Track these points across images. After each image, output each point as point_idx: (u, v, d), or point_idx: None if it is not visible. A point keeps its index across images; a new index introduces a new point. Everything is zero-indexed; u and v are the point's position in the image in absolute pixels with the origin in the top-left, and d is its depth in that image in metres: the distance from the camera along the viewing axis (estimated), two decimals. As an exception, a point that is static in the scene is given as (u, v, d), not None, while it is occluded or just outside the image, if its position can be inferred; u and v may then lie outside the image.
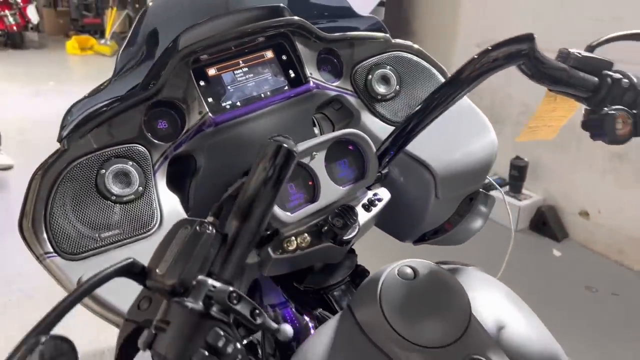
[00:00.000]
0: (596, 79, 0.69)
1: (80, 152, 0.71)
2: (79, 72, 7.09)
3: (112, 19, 8.04)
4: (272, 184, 0.50)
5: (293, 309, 1.01)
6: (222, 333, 0.43)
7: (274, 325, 0.47)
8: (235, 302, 0.45)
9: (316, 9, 0.96)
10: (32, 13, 8.00)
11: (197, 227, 0.47)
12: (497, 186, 1.00)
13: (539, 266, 2.64)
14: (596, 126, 0.67)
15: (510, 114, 3.01)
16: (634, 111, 0.67)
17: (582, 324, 2.18)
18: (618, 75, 0.69)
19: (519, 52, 0.65)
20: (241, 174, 0.79)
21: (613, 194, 2.64)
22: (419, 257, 0.69)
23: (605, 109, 0.66)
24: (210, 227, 0.48)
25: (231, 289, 0.45)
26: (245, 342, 0.97)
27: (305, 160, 0.73)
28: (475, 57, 0.66)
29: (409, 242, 0.95)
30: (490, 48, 0.66)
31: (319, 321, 0.82)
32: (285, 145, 0.49)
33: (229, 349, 0.43)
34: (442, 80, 0.93)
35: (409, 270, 0.66)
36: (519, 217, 2.89)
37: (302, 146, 0.72)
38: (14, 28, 7.82)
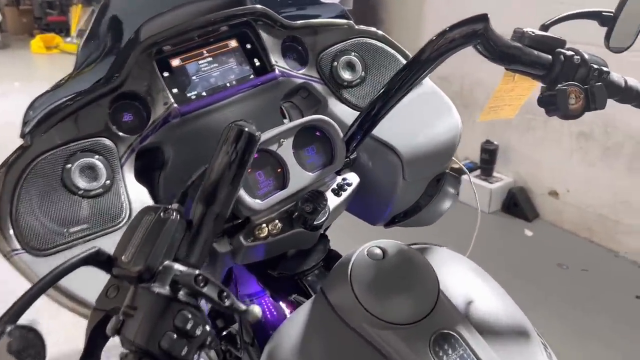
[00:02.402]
0: (550, 57, 0.70)
1: (44, 147, 0.69)
2: (45, 72, 6.87)
3: (78, 16, 7.76)
4: (236, 167, 0.49)
5: (269, 298, 1.01)
6: (189, 316, 0.43)
7: (242, 306, 0.47)
8: (202, 284, 0.45)
9: None
10: (-7, 12, 7.83)
11: (161, 214, 0.48)
12: (466, 170, 1.01)
13: (512, 246, 2.70)
14: (550, 102, 0.68)
15: (480, 99, 3.03)
16: (586, 86, 0.68)
17: (555, 299, 2.26)
18: (570, 53, 0.70)
19: (475, 32, 0.66)
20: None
21: (580, 173, 2.69)
22: (390, 240, 0.69)
23: (559, 85, 0.67)
24: (174, 213, 0.48)
25: (197, 272, 0.45)
26: (224, 333, 0.98)
27: (273, 147, 0.72)
28: (434, 38, 0.66)
29: (381, 226, 0.95)
30: (447, 29, 0.66)
31: (294, 307, 0.82)
32: (246, 129, 0.49)
33: (198, 331, 0.43)
34: None
35: (377, 251, 0.67)
36: (491, 199, 2.93)
37: (269, 133, 0.71)
38: (-25, 28, 7.64)
